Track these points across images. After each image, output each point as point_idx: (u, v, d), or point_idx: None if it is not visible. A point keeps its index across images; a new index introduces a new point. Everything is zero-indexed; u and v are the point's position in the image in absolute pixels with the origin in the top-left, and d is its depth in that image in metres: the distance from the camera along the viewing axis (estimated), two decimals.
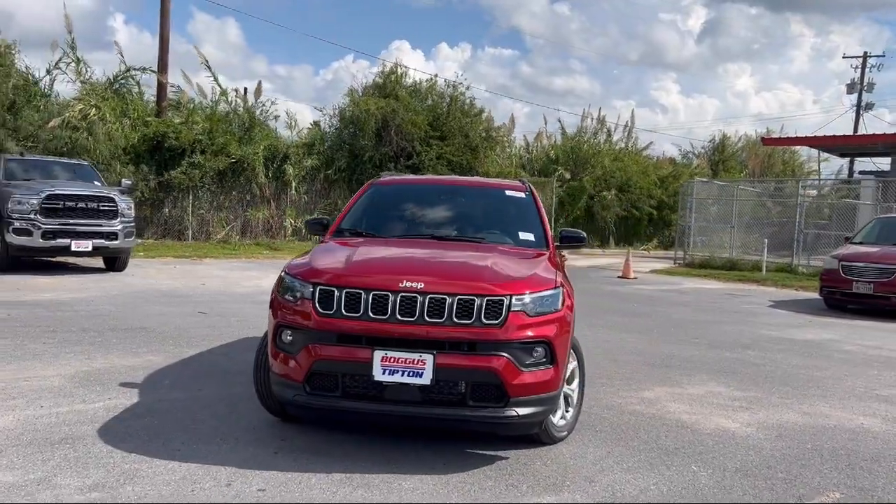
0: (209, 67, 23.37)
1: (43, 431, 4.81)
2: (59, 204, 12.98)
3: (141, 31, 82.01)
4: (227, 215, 22.90)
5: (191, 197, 22.09)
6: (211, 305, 10.49)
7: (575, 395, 5.26)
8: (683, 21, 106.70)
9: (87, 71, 21.24)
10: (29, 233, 12.76)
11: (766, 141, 35.35)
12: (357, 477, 4.28)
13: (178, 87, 22.99)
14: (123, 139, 20.20)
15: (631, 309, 12.69)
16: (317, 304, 4.50)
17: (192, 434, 4.88)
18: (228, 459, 4.45)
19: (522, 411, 4.44)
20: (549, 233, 5.87)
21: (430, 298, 4.40)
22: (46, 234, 12.84)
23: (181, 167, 21.25)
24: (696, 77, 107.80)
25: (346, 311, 4.45)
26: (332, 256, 5.05)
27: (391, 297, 4.41)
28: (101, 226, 13.33)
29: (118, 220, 13.57)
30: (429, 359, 4.32)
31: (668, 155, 40.68)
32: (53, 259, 14.67)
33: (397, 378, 4.34)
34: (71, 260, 14.98)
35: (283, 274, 4.87)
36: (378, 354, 4.35)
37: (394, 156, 24.23)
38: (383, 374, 4.35)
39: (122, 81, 21.78)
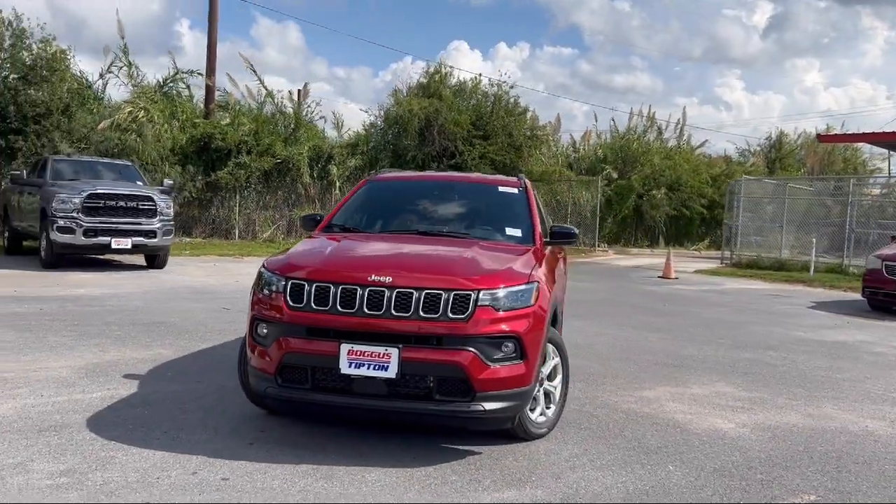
0: (254, 71, 23.93)
1: (35, 419, 5.00)
2: (99, 203, 13.43)
3: (204, 35, 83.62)
4: (272, 214, 23.31)
5: (237, 197, 22.56)
6: (236, 302, 10.70)
7: (557, 392, 5.22)
8: (748, 16, 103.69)
9: (138, 74, 21.95)
10: (72, 231, 13.23)
11: (822, 138, 34.24)
12: (324, 469, 4.33)
13: (224, 90, 23.55)
14: (171, 140, 20.76)
15: (662, 309, 12.49)
16: (288, 298, 4.58)
17: (176, 424, 5.01)
18: (203, 449, 4.55)
19: (490, 406, 4.43)
20: (539, 228, 5.82)
21: (398, 292, 4.43)
22: (88, 232, 13.28)
23: (227, 167, 21.74)
24: (761, 73, 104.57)
25: (315, 305, 4.51)
26: (310, 251, 5.14)
27: (359, 291, 4.46)
28: (140, 224, 13.73)
29: (157, 218, 13.95)
30: (394, 352, 4.36)
31: (728, 153, 39.87)
32: (101, 256, 15.16)
33: (363, 371, 4.38)
34: (116, 257, 15.44)
35: (261, 269, 4.96)
36: (345, 347, 4.41)
37: (436, 155, 24.32)
38: (350, 367, 4.40)
39: (171, 84, 22.40)
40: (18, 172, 15.27)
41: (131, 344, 7.51)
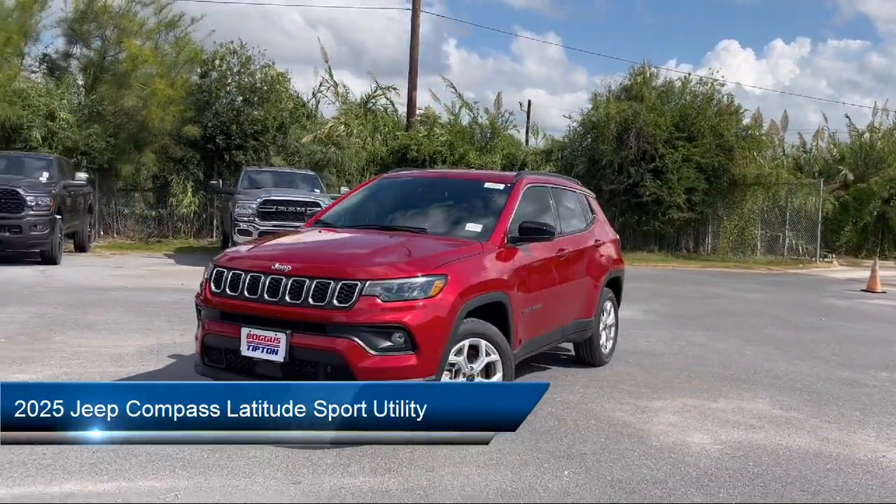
0: (454, 87, 25.29)
1: None
2: (272, 208, 14.94)
3: (469, 54, 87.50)
4: None
5: None
6: None
7: None
8: None
9: (346, 92, 23.95)
10: (249, 233, 14.83)
11: None
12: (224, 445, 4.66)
13: (424, 108, 24.99)
14: (368, 153, 22.33)
15: (812, 323, 11.20)
16: (211, 284, 5.03)
17: None
18: None
19: None
20: (504, 226, 5.61)
21: (293, 281, 4.68)
22: (262, 234, 14.81)
23: None
24: None
25: (229, 291, 4.91)
26: (255, 243, 5.54)
27: (262, 279, 4.77)
28: None
29: None
30: (282, 337, 4.62)
31: None
32: None
33: (258, 354, 4.70)
34: None
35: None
36: (245, 331, 4.75)
37: (634, 159, 23.56)
38: (248, 349, 4.73)
39: (374, 101, 24.14)
40: (215, 182, 17.43)
41: None
